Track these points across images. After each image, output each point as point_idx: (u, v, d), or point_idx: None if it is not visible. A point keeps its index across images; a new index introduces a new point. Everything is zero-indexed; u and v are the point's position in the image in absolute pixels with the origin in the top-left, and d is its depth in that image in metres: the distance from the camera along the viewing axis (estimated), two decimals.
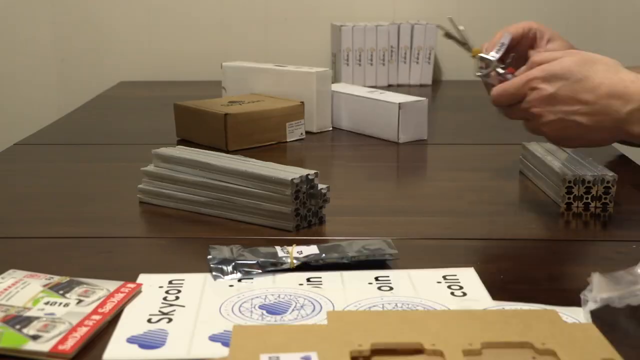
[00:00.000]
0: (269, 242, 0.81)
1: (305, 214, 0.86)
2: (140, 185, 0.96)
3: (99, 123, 1.45)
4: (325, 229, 0.87)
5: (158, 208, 0.97)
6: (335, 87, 1.42)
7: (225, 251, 0.77)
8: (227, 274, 0.74)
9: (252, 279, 0.73)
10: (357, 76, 1.90)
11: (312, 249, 0.76)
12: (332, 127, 1.38)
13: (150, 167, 0.96)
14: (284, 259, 0.75)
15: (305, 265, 0.75)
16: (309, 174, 0.86)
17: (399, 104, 1.27)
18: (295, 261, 0.74)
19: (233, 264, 0.75)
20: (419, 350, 0.55)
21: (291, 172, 0.86)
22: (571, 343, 0.56)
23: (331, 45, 1.97)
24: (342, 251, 0.75)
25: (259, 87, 1.40)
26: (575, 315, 0.65)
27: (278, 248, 0.77)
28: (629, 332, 0.64)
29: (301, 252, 0.75)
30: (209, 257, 0.76)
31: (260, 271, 0.74)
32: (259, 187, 0.87)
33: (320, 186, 0.87)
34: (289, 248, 0.76)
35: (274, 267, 0.74)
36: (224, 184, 0.89)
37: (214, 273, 0.74)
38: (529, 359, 0.55)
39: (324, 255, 0.74)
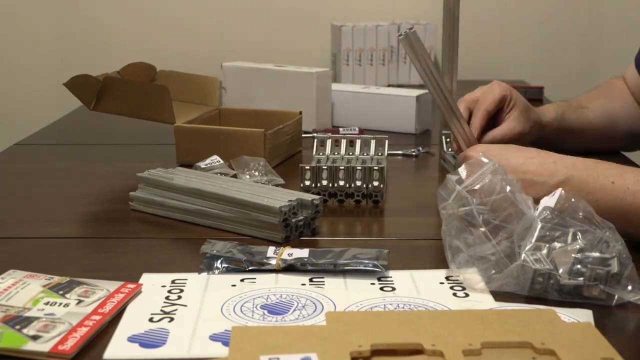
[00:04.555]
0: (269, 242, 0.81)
1: (295, 224, 0.84)
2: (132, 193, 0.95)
3: (99, 123, 1.45)
4: (318, 237, 0.86)
5: None
6: (333, 86, 1.43)
7: (218, 246, 0.77)
8: (212, 269, 0.74)
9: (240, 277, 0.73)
10: (357, 76, 1.90)
11: (303, 252, 0.75)
12: (332, 125, 1.38)
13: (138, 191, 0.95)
14: (271, 260, 0.75)
15: (291, 268, 0.74)
16: (292, 204, 0.83)
17: (416, 96, 1.36)
18: (281, 263, 0.74)
19: (221, 259, 0.75)
20: (418, 351, 0.55)
21: (278, 199, 0.84)
22: (570, 343, 0.56)
23: (331, 45, 1.97)
24: (332, 258, 0.75)
25: (259, 87, 1.40)
26: (575, 315, 0.65)
27: (271, 248, 0.77)
28: None
29: (291, 255, 0.75)
30: (201, 251, 0.76)
31: (245, 269, 0.74)
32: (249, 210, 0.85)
33: (311, 197, 0.86)
34: (281, 249, 0.76)
35: (259, 266, 0.74)
36: (212, 206, 0.88)
37: (200, 267, 0.75)
38: (529, 359, 0.55)
39: (312, 259, 0.74)
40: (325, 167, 0.95)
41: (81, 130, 1.49)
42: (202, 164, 1.04)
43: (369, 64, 1.90)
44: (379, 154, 1.01)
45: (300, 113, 1.22)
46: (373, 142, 1.02)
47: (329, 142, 1.02)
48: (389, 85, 1.88)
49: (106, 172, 1.16)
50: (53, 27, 2.09)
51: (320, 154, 1.01)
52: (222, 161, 1.05)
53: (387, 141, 1.02)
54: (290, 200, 0.83)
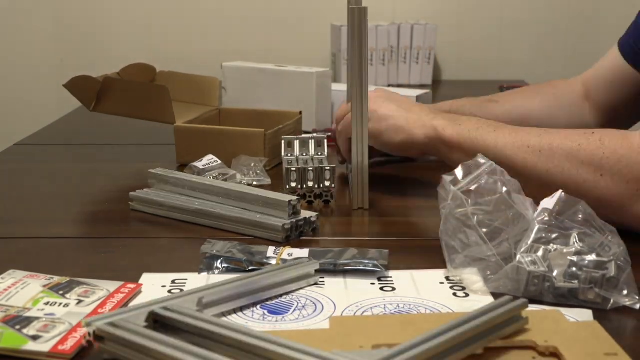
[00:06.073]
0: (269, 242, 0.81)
1: (295, 224, 0.84)
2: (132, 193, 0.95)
3: (99, 123, 1.45)
4: (318, 237, 0.86)
5: None
6: (333, 86, 1.43)
7: (218, 246, 0.76)
8: (212, 269, 0.74)
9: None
10: None
11: (303, 253, 0.75)
12: (333, 125, 1.38)
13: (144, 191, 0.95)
14: (271, 260, 0.74)
15: None
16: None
17: (416, 96, 1.35)
18: (281, 263, 0.74)
19: (221, 259, 0.75)
20: None
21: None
22: (574, 340, 0.56)
23: (331, 45, 1.97)
24: (332, 258, 0.74)
25: (259, 87, 1.40)
26: (575, 316, 0.64)
27: (271, 248, 0.76)
28: None
29: (291, 255, 0.75)
30: (201, 251, 0.76)
31: (245, 269, 0.74)
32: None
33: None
34: (281, 249, 0.76)
35: (259, 266, 0.74)
36: (213, 206, 0.88)
37: (200, 267, 0.75)
38: (530, 359, 0.55)
39: (312, 259, 0.74)
40: (312, 169, 0.94)
41: (81, 130, 1.49)
42: (199, 165, 1.03)
43: (369, 64, 1.90)
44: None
45: (300, 113, 1.22)
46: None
47: (296, 143, 1.01)
48: (389, 85, 1.88)
49: (106, 172, 1.16)
50: (53, 27, 2.09)
51: (289, 155, 1.01)
52: (219, 161, 1.05)
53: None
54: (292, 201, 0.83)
